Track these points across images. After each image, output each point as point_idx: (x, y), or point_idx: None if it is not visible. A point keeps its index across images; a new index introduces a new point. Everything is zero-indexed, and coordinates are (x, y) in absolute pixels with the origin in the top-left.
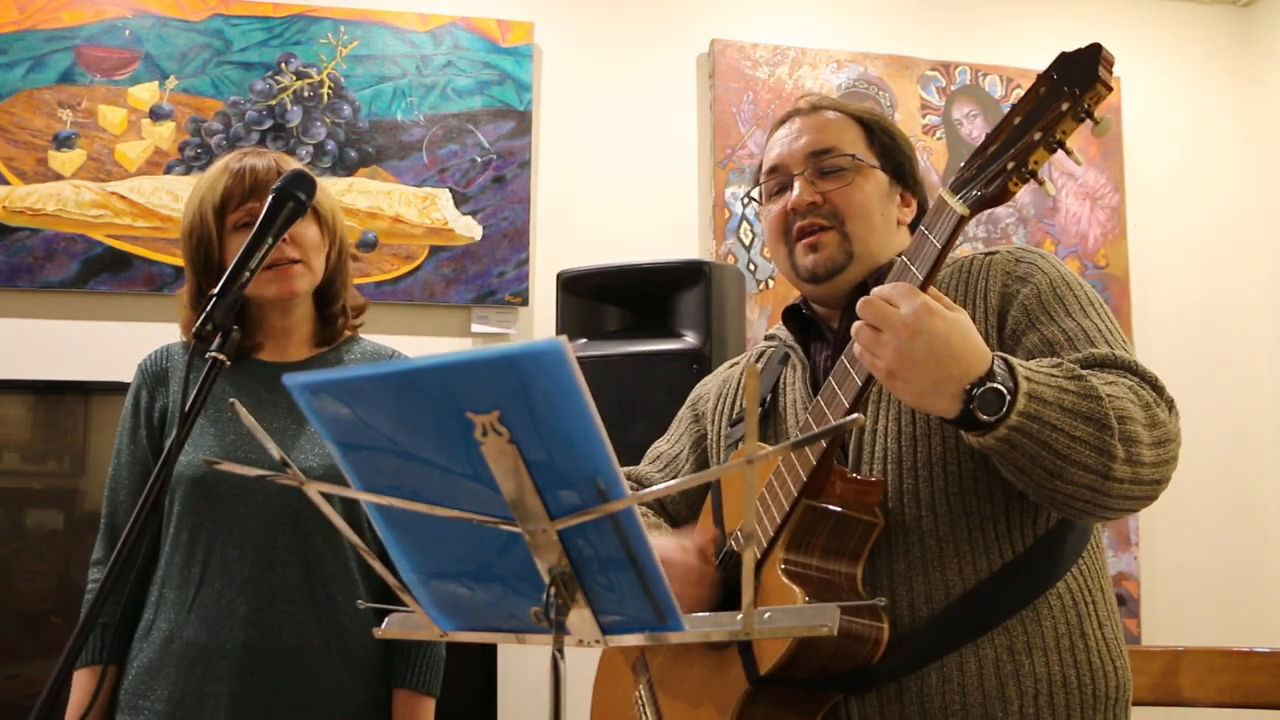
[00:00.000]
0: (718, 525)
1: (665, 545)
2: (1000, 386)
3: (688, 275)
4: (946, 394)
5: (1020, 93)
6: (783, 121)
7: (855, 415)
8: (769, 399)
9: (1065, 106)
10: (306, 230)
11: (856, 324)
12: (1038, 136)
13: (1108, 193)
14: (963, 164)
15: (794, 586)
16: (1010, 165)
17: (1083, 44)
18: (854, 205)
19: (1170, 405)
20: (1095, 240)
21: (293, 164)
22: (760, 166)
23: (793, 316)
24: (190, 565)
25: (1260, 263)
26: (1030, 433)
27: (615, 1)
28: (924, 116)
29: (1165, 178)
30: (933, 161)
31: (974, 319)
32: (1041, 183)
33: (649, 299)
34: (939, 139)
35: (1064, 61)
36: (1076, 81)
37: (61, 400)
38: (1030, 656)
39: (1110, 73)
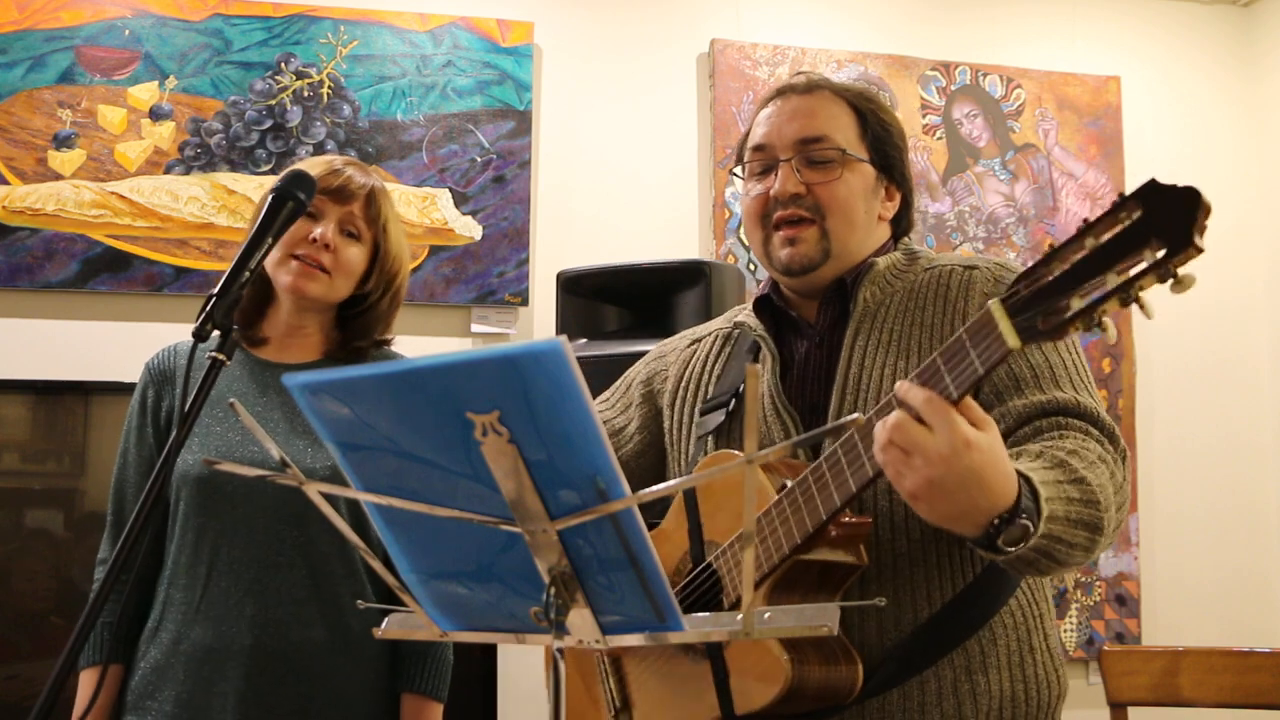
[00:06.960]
0: (694, 535)
1: None
2: (1027, 523)
3: (688, 275)
4: (971, 523)
5: (1021, 94)
6: (775, 95)
7: (855, 415)
8: (738, 390)
9: (1147, 265)
10: (350, 248)
11: (882, 436)
12: (1112, 287)
13: (1108, 193)
14: (1022, 274)
15: (773, 640)
16: (1075, 311)
17: (1179, 183)
18: (837, 201)
19: (1124, 458)
20: None
21: (380, 184)
22: (745, 138)
23: (764, 306)
24: (196, 565)
25: (1260, 263)
26: (1041, 549)
27: (615, 1)
28: (924, 116)
29: (1165, 177)
30: (933, 161)
31: (948, 336)
32: (1105, 329)
33: (649, 299)
34: (939, 139)
35: (1156, 197)
36: (1167, 235)
37: (61, 400)
38: (985, 675)
39: (1205, 228)
